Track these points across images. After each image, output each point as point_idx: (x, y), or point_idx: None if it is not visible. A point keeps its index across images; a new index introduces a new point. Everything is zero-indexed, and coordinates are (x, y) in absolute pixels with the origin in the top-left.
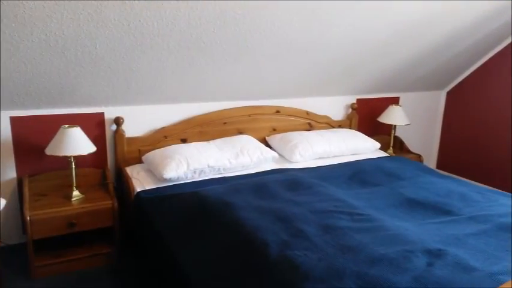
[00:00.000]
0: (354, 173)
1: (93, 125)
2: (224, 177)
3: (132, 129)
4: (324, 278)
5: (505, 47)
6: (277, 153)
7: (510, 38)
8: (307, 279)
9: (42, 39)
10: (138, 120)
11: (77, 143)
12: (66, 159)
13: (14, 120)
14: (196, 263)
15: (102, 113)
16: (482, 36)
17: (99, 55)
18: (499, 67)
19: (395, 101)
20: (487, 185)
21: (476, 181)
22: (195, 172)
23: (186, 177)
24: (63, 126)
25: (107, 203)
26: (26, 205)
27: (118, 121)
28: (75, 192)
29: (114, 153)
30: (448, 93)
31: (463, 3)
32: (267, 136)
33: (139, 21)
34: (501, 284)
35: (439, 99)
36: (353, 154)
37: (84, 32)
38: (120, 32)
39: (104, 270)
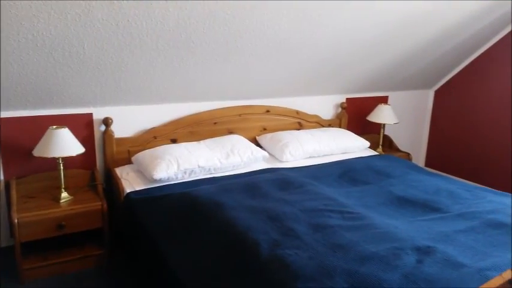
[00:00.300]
0: (344, 171)
1: (82, 126)
2: (215, 177)
3: (121, 129)
4: (315, 277)
5: (491, 46)
6: (268, 152)
7: (496, 37)
8: (298, 278)
9: (29, 39)
10: (128, 120)
11: (65, 144)
12: (54, 160)
13: (0, 122)
14: (187, 263)
15: (91, 114)
16: (468, 36)
17: (87, 55)
18: (485, 66)
19: (384, 100)
20: (475, 182)
21: (464, 178)
22: (185, 172)
23: (177, 178)
24: (51, 127)
25: (96, 204)
26: (14, 207)
27: (107, 122)
28: (64, 194)
29: (103, 154)
30: (436, 92)
31: (450, 3)
32: (258, 136)
33: (128, 20)
34: (489, 279)
35: (427, 98)
36: (343, 153)
37: (72, 31)
38: (108, 32)
39: (94, 271)
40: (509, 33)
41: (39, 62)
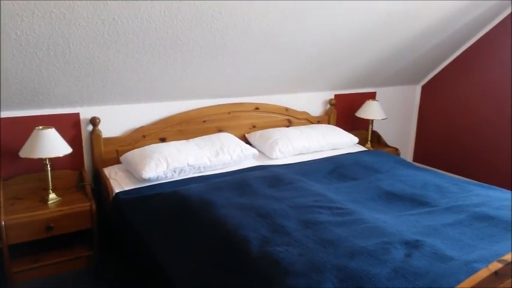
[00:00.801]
0: (333, 167)
1: (69, 126)
2: (204, 175)
3: (109, 129)
4: (305, 273)
5: (476, 42)
6: (258, 150)
7: (480, 33)
8: (289, 274)
9: (12, 39)
10: (115, 120)
11: (52, 145)
12: (41, 161)
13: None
14: (178, 262)
15: (78, 114)
16: (453, 32)
17: (72, 54)
18: (471, 61)
19: (372, 96)
20: (462, 176)
21: (452, 172)
22: (174, 171)
23: (166, 177)
24: (37, 127)
25: (85, 205)
26: (1, 210)
27: (94, 121)
28: (52, 195)
29: (91, 154)
30: (423, 87)
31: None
32: (247, 133)
33: (114, 19)
34: (476, 271)
35: (414, 93)
36: (332, 149)
37: (57, 30)
38: (93, 31)
39: (85, 273)
40: (492, 28)
41: (24, 62)
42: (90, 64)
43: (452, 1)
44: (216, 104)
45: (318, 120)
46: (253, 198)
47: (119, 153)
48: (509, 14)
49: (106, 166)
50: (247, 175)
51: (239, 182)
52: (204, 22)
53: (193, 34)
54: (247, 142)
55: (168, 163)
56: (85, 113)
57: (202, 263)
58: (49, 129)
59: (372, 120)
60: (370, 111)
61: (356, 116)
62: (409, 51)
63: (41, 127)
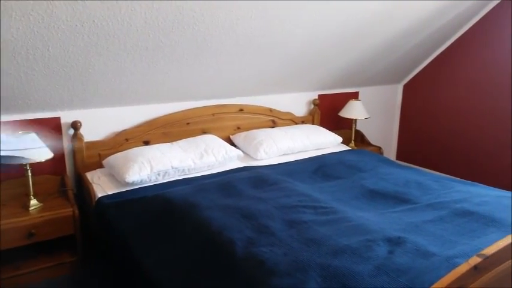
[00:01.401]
0: (317, 167)
1: (50, 130)
2: (189, 178)
3: (92, 133)
4: (290, 272)
5: (455, 41)
6: (242, 151)
7: (459, 32)
8: (273, 274)
9: None
10: (98, 123)
11: (33, 150)
12: (21, 167)
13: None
14: (163, 266)
15: (59, 118)
16: (432, 32)
17: (52, 57)
18: (450, 60)
19: (354, 95)
20: (443, 173)
21: (433, 170)
22: (159, 174)
23: (150, 180)
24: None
25: (67, 210)
26: None
27: (75, 125)
28: (33, 201)
29: (73, 159)
30: (405, 87)
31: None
32: (232, 135)
33: (93, 21)
34: (457, 266)
35: (396, 93)
36: (316, 149)
37: (35, 33)
38: (73, 33)
39: (69, 279)
40: (470, 28)
41: (2, 66)
42: (70, 67)
43: (431, 1)
44: (200, 106)
45: (302, 121)
46: (238, 200)
47: (102, 157)
48: (486, 13)
49: (88, 170)
50: (232, 176)
51: (224, 183)
52: (186, 24)
53: (175, 36)
54: (232, 143)
55: (152, 166)
56: (66, 117)
57: (187, 265)
58: (29, 134)
59: (355, 120)
60: (353, 110)
61: (339, 116)
62: (390, 51)
63: (21, 132)
